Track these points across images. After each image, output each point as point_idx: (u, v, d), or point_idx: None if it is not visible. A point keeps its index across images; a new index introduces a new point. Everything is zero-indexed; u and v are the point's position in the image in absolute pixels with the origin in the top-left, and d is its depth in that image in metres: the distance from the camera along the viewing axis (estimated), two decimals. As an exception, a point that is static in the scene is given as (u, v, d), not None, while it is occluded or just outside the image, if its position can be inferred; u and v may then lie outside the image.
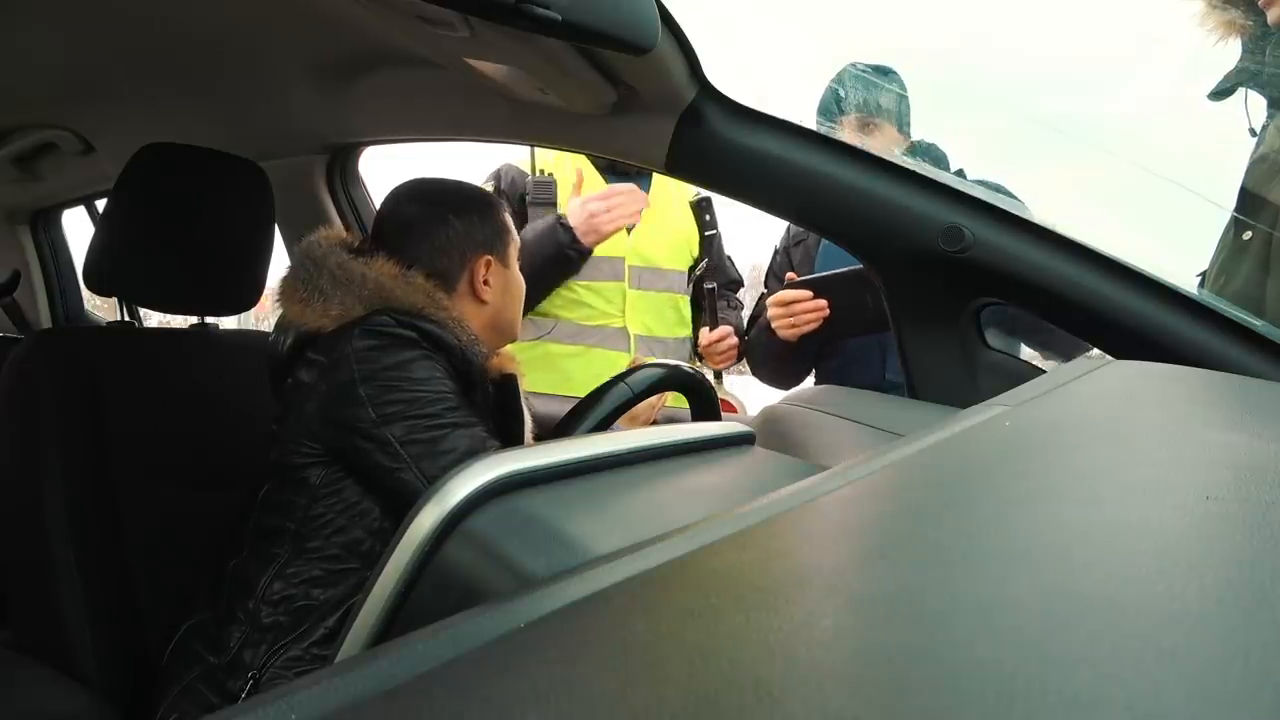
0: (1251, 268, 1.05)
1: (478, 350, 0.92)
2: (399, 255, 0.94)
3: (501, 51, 0.82)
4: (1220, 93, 1.11)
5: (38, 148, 1.52)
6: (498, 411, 0.95)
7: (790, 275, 1.26)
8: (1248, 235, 1.06)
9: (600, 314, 1.51)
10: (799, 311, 1.19)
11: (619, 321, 1.50)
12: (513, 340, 1.08)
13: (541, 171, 1.54)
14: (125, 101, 1.29)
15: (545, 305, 1.54)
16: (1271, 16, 1.04)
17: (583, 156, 1.55)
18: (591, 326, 1.51)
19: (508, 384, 0.98)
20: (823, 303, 1.18)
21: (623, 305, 1.52)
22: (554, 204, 1.51)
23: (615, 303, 1.52)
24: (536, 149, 1.53)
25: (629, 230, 1.53)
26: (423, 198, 1.00)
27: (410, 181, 1.02)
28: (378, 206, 1.04)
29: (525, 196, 1.52)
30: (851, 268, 1.18)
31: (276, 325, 0.96)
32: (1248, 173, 1.08)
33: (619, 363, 1.47)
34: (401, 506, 0.55)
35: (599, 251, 1.51)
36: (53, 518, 0.95)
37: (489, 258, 0.99)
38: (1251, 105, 1.10)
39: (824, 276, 1.21)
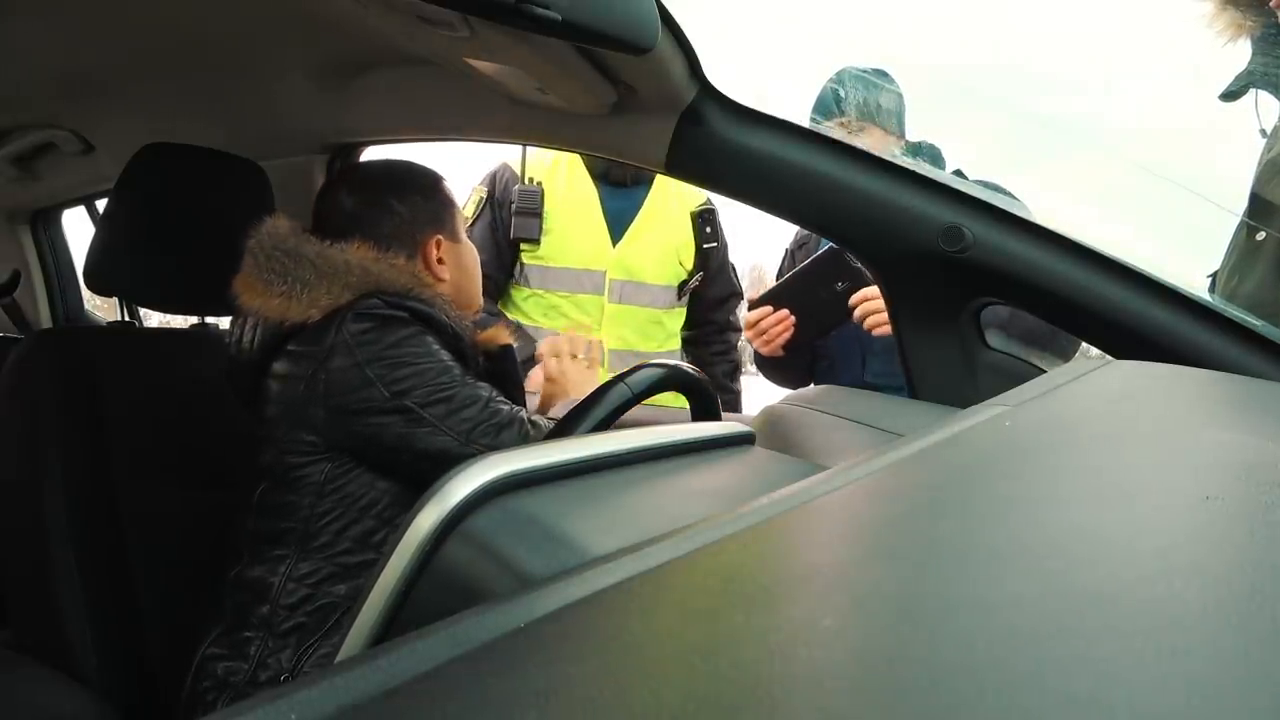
0: (1265, 269, 1.05)
1: (465, 325, 0.93)
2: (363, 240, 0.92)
3: (501, 51, 0.82)
4: (1230, 94, 1.10)
5: (38, 148, 1.51)
6: (494, 382, 0.96)
7: (750, 296, 1.28)
8: (1260, 236, 1.06)
9: (576, 325, 1.50)
10: (767, 328, 1.21)
11: (595, 334, 1.50)
12: (474, 312, 1.06)
13: (530, 180, 1.52)
14: (125, 101, 1.28)
15: (528, 312, 1.54)
16: None
17: (577, 158, 1.54)
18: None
19: (505, 354, 0.98)
20: (785, 313, 1.20)
21: (600, 318, 1.52)
22: (539, 214, 1.49)
23: (592, 315, 1.52)
24: (528, 154, 1.52)
25: (615, 242, 1.53)
26: (361, 187, 0.98)
27: (346, 169, 1.00)
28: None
29: (513, 204, 1.51)
30: (795, 270, 1.21)
31: (237, 324, 0.94)
32: (1258, 175, 1.08)
33: None
34: (432, 470, 0.55)
35: (581, 264, 1.50)
36: (53, 518, 0.95)
37: (439, 236, 0.99)
38: (1261, 106, 1.10)
39: (775, 289, 1.24)
